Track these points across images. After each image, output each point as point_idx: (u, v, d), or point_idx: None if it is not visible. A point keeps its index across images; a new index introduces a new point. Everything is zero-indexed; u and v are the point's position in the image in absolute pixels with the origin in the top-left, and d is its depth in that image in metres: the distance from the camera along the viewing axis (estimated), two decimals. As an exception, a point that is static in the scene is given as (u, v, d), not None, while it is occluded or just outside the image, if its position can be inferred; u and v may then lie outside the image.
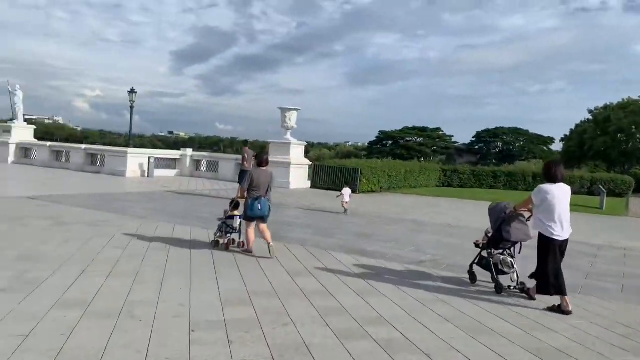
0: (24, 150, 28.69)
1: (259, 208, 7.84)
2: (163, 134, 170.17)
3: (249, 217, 8.00)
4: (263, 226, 8.03)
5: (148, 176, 24.06)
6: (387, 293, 6.39)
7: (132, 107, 26.04)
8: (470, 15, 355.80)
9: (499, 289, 6.57)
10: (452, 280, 7.35)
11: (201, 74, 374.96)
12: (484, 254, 6.92)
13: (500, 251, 6.77)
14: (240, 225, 8.43)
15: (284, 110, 18.96)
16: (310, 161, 22.12)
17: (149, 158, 24.06)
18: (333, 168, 21.05)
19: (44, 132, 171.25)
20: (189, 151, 27.69)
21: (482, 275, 7.13)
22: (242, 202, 8.29)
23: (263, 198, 7.91)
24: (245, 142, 17.40)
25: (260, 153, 9.18)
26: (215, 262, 7.54)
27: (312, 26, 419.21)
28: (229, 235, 8.50)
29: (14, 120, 29.33)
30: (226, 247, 8.40)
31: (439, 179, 31.22)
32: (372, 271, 7.66)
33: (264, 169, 8.20)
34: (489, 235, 6.86)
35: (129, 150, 24.04)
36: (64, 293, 5.56)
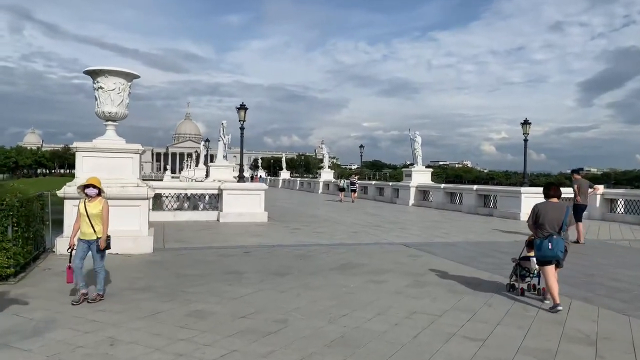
0: (422, 193, 29.62)
1: (549, 247, 6.69)
2: (569, 172, 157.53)
3: (541, 261, 6.88)
4: (555, 270, 6.84)
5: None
6: None
7: (525, 140, 23.05)
8: None
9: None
10: None
11: (614, 102, 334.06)
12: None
13: None
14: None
15: None
16: None
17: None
18: None
19: (454, 175, 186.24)
20: (600, 189, 22.25)
21: None
22: None
23: (555, 237, 6.71)
24: (576, 170, 14.25)
25: (548, 183, 7.66)
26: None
27: None
28: (527, 279, 7.48)
29: (414, 165, 30.85)
30: (521, 293, 7.46)
31: None
32: None
33: (555, 202, 7.08)
34: None
35: (523, 189, 20.90)
36: None
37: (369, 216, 21.27)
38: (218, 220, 17.35)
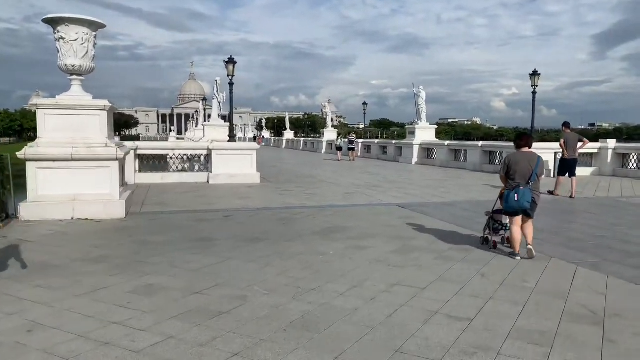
0: (426, 151, 28.57)
1: (515, 199, 6.59)
2: (582, 127, 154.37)
3: (507, 212, 6.92)
4: (526, 221, 6.86)
5: (553, 176, 19.25)
6: None
7: (534, 93, 21.73)
8: None
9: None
10: None
11: (629, 54, 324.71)
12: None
13: None
14: None
15: None
16: None
17: (555, 154, 19.18)
18: None
19: (463, 132, 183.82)
20: (611, 143, 21.12)
21: None
22: None
23: (522, 187, 6.58)
24: (566, 124, 14.06)
25: (519, 133, 7.54)
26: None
27: None
28: (501, 232, 7.37)
29: (418, 122, 29.68)
30: (494, 246, 7.34)
31: None
32: None
33: (525, 152, 6.92)
34: None
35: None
36: None
37: (368, 175, 20.39)
38: (208, 182, 16.57)
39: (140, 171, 17.03)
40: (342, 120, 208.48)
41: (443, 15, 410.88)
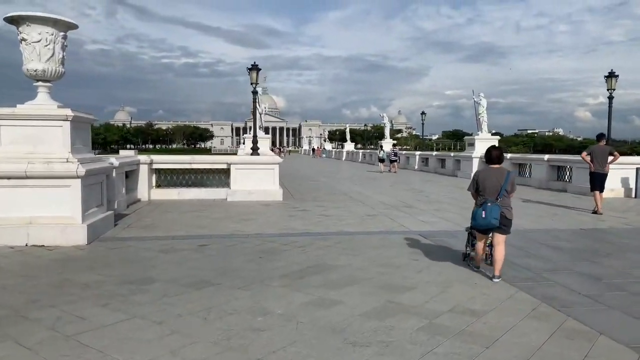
0: (487, 165, 25.60)
1: (482, 216, 6.20)
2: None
3: (476, 229, 6.58)
4: (497, 239, 6.42)
5: (636, 196, 16.01)
6: None
7: (610, 98, 18.44)
8: None
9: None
10: None
11: None
12: None
13: None
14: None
15: None
16: None
17: (638, 170, 15.94)
18: None
19: (543, 144, 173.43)
20: None
21: None
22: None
23: (489, 204, 6.17)
24: (598, 136, 13.26)
25: (490, 147, 6.82)
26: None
27: None
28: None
29: (478, 132, 26.81)
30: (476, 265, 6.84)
31: None
32: None
33: (495, 167, 6.54)
34: None
35: (606, 159, 16.60)
36: None
37: (408, 192, 18.06)
38: (226, 199, 15.11)
39: (158, 186, 15.91)
40: (411, 131, 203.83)
41: (522, 23, 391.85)
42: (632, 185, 16.16)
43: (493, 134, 27.46)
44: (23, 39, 8.76)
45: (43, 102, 9.00)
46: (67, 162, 8.58)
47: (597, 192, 12.68)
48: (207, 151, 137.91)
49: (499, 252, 6.34)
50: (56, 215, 8.54)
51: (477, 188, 6.55)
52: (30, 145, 8.65)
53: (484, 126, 26.59)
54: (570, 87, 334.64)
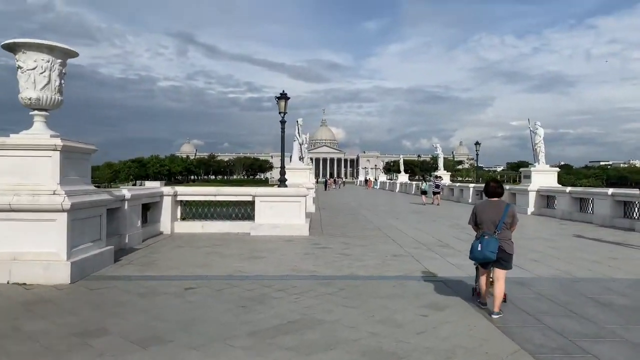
0: (545, 199, 23.46)
1: (479, 249, 6.16)
2: None
3: (477, 262, 6.52)
4: (496, 274, 6.27)
5: None
6: None
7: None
8: None
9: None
10: None
11: None
12: None
13: None
14: None
15: None
16: None
17: None
18: None
19: (617, 176, 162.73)
20: None
21: None
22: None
23: (487, 237, 6.13)
24: None
25: (488, 180, 7.26)
26: None
27: None
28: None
29: (535, 164, 24.77)
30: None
31: None
32: None
33: (494, 200, 6.53)
34: None
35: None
36: None
37: (450, 228, 16.53)
38: (250, 233, 14.31)
39: (183, 219, 15.41)
40: (473, 162, 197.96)
41: (593, 51, 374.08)
42: None
43: (560, 166, 25.41)
44: (19, 67, 8.47)
45: (38, 131, 8.61)
46: (53, 194, 8.06)
47: None
48: (264, 182, 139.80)
49: (498, 288, 6.19)
50: (40, 251, 8.00)
51: (475, 221, 6.54)
52: (19, 176, 8.23)
53: (542, 157, 24.54)
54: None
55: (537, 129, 24.76)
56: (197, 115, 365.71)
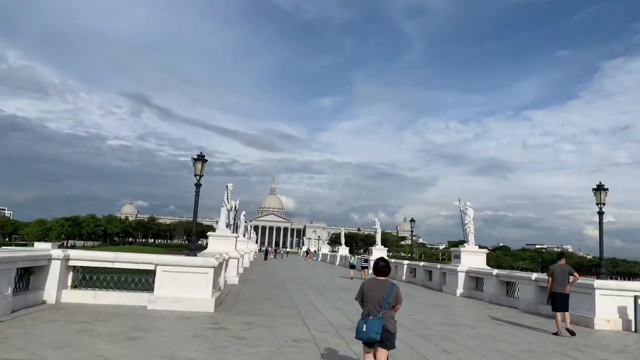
0: (474, 280, 23.05)
1: (363, 329, 6.26)
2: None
3: (362, 341, 6.50)
4: (379, 354, 6.36)
5: (636, 331, 13.34)
6: None
7: (600, 213, 16.42)
8: None
9: None
10: None
11: None
12: None
13: None
14: None
15: None
16: None
17: (636, 299, 13.43)
18: None
19: (551, 260, 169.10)
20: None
21: None
22: None
23: (371, 317, 6.26)
24: (560, 255, 14.17)
25: (378, 258, 6.90)
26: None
27: None
28: None
29: (464, 244, 24.59)
30: None
31: None
32: None
33: (381, 279, 6.60)
34: None
35: (597, 283, 14.18)
36: None
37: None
38: (147, 306, 12.73)
39: (74, 287, 13.65)
40: (417, 239, 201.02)
41: (529, 140, 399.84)
42: (631, 316, 13.56)
43: (499, 247, 25.53)
44: None
45: None
46: None
47: (558, 313, 12.43)
48: (204, 248, 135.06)
49: None
50: None
51: (362, 298, 6.53)
52: None
53: (471, 237, 24.41)
54: (579, 205, 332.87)
55: (467, 209, 24.79)
56: (145, 176, 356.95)
